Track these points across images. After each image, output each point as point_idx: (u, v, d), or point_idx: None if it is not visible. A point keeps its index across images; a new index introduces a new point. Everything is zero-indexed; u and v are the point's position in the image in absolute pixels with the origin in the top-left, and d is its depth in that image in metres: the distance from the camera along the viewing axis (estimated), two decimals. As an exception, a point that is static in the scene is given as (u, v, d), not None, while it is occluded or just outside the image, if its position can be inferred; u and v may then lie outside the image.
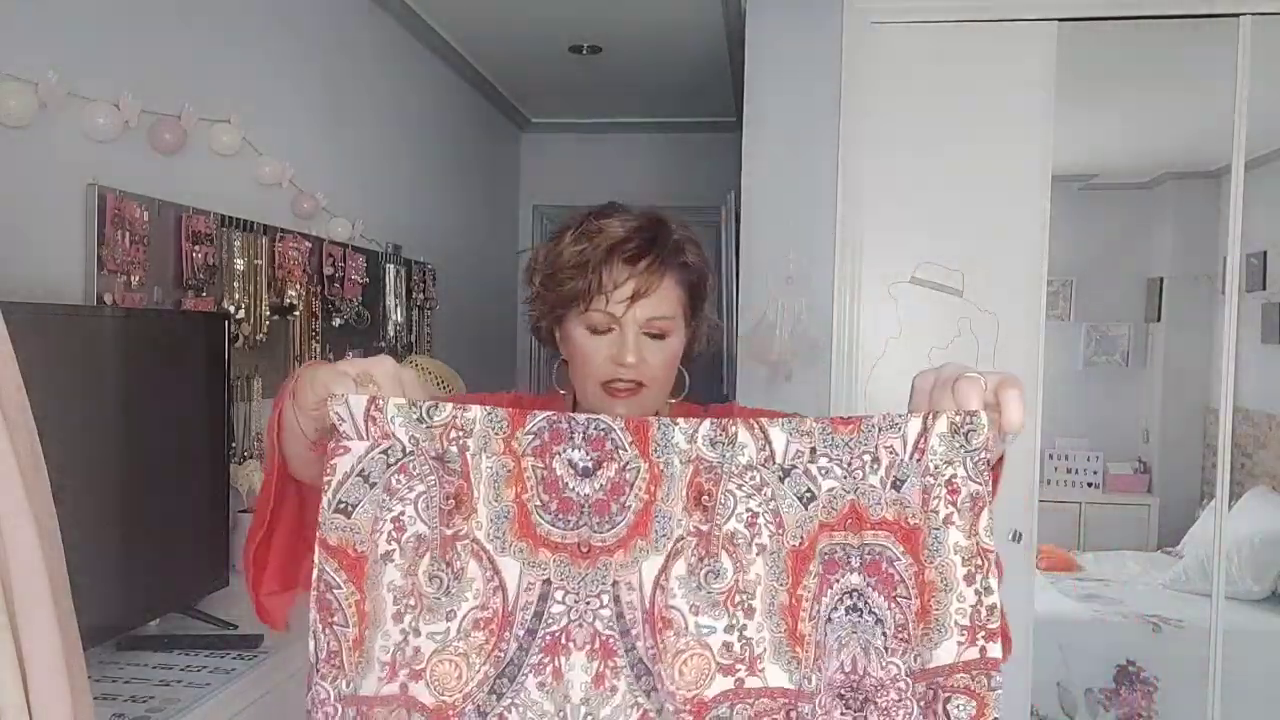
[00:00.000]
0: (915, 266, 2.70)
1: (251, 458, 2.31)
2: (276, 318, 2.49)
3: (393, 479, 0.71)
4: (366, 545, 0.71)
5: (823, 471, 0.72)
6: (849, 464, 0.72)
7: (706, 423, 0.72)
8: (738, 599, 0.71)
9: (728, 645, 0.71)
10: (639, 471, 0.72)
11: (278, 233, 2.50)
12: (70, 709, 0.87)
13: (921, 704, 0.72)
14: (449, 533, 0.71)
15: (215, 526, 1.90)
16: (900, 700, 0.72)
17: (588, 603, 0.71)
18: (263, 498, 0.87)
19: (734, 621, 0.71)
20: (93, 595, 1.21)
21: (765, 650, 0.71)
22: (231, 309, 2.26)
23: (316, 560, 0.71)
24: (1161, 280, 3.66)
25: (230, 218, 2.28)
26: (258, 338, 2.38)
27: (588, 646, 0.71)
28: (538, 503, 0.72)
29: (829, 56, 2.69)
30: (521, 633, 0.71)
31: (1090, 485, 3.77)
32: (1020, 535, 2.60)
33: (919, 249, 2.70)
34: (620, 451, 0.72)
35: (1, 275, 1.63)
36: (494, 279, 4.66)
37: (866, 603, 0.73)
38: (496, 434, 0.72)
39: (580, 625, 0.71)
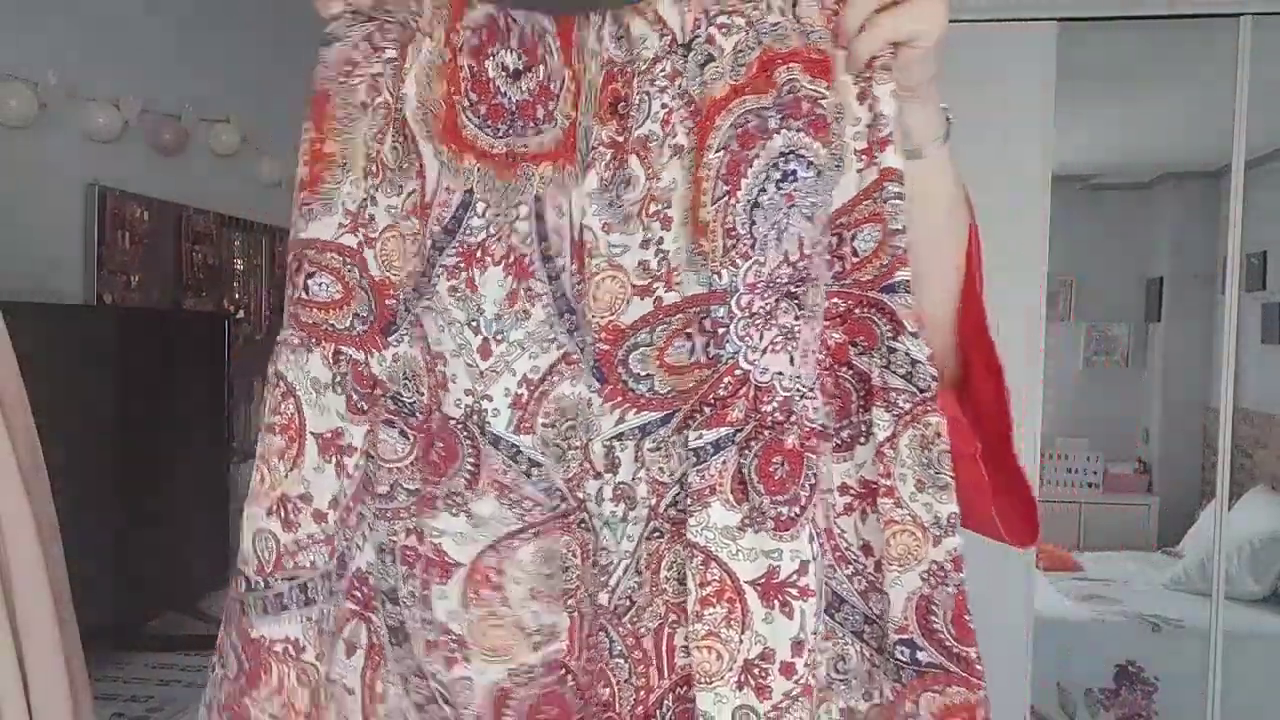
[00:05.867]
0: (915, 266, 2.71)
1: (254, 457, 2.31)
2: (277, 317, 2.49)
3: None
4: (335, 86, 0.66)
5: (723, 30, 0.60)
6: (749, 14, 0.60)
7: (608, 15, 0.62)
8: (653, 209, 0.61)
9: (644, 264, 0.61)
10: (564, 80, 0.63)
11: (278, 233, 2.51)
12: (70, 709, 0.87)
13: (829, 256, 0.62)
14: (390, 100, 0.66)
15: (215, 526, 1.90)
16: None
17: (506, 214, 0.63)
18: None
19: (650, 235, 0.61)
20: (93, 595, 1.21)
21: (682, 260, 0.61)
22: (231, 309, 2.27)
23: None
24: (1161, 280, 3.65)
25: (230, 218, 2.28)
26: (257, 338, 2.38)
27: (504, 261, 0.63)
28: (466, 104, 0.64)
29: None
30: (437, 229, 0.64)
31: (1090, 485, 3.77)
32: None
33: (919, 249, 2.70)
34: (549, 57, 0.63)
35: (1, 275, 1.63)
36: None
37: (801, 157, 0.59)
38: (439, 22, 0.64)
39: (498, 240, 0.63)
